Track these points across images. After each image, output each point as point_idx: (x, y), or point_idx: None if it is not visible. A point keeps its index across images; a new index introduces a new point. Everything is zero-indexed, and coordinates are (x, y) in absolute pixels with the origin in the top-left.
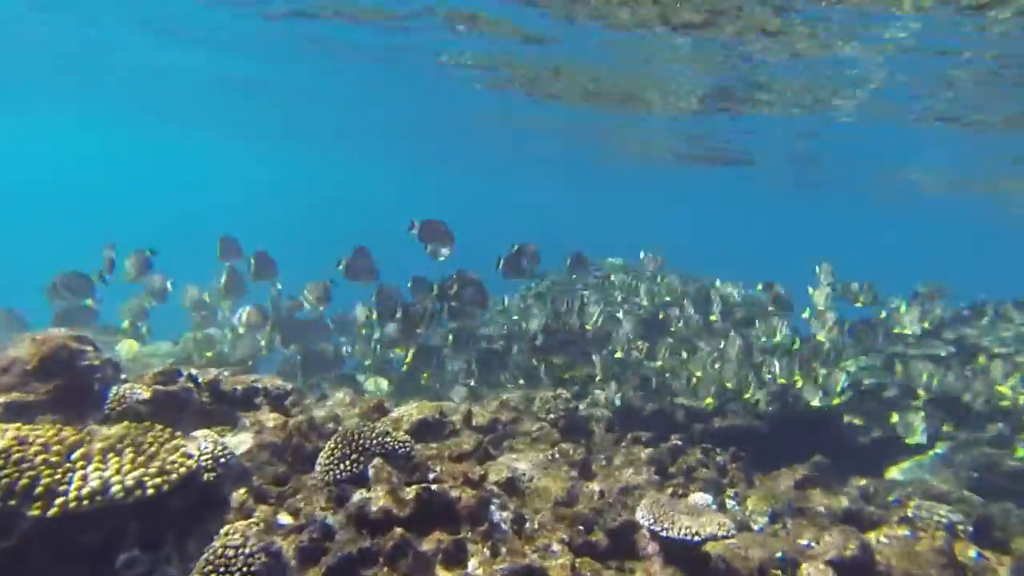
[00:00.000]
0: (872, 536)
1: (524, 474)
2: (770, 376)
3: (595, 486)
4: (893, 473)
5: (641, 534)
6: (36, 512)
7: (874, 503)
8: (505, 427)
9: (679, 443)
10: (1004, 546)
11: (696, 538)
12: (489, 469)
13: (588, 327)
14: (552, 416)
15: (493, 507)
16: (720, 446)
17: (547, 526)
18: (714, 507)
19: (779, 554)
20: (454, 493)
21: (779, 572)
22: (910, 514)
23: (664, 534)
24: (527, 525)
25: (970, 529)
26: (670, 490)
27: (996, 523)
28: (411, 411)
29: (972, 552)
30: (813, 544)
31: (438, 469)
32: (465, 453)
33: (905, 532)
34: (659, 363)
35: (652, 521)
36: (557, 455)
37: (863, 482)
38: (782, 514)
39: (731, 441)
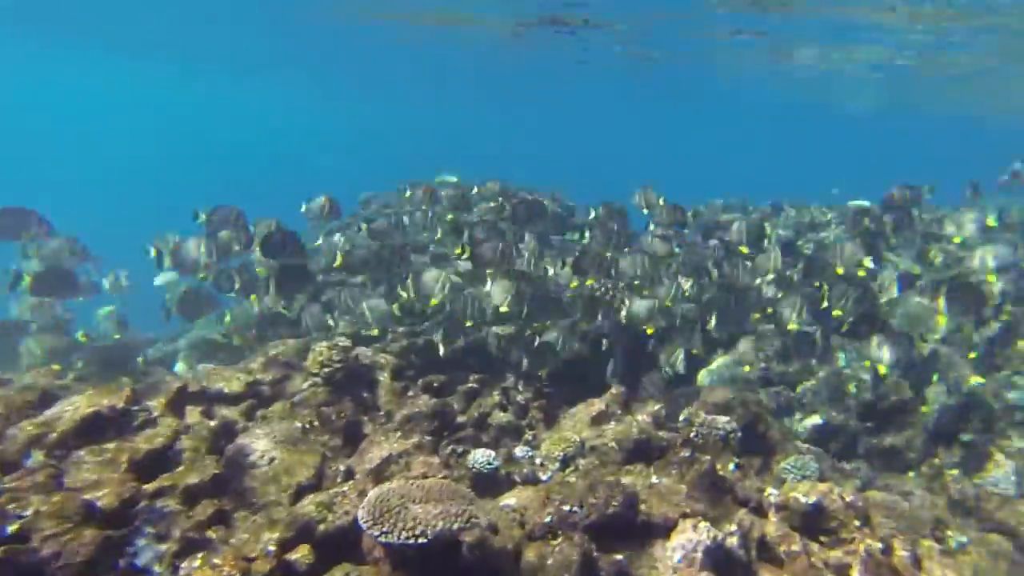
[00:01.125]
0: (652, 475)
1: (262, 456)
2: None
3: (345, 464)
4: (703, 377)
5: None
6: None
7: (666, 427)
8: (272, 389)
9: (475, 385)
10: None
11: (421, 541)
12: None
13: None
14: (327, 370)
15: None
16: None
17: (249, 540)
18: (493, 466)
19: (547, 518)
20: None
21: (551, 539)
22: (693, 434)
23: (383, 540)
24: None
25: (739, 435)
26: (448, 450)
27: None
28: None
29: (731, 465)
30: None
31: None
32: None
33: (685, 454)
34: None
35: (371, 522)
36: (316, 422)
37: (656, 407)
38: (574, 457)
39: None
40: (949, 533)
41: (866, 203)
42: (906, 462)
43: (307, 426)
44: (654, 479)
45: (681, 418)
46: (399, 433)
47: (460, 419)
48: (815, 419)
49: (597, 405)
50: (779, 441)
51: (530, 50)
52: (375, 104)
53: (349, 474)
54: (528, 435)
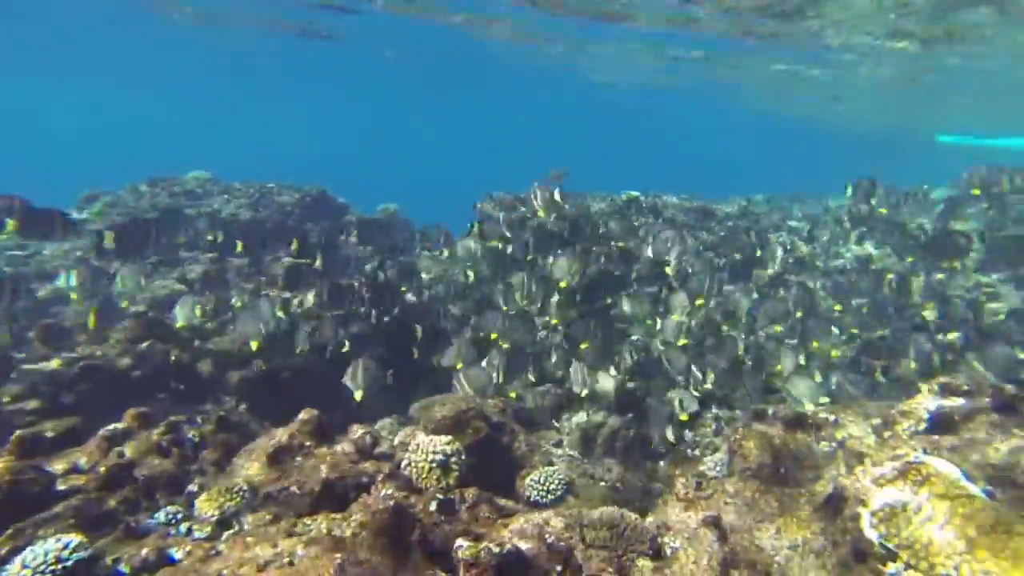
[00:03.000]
0: (331, 526)
1: None
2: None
3: None
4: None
5: None
6: None
7: (371, 459)
8: None
9: (121, 426)
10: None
11: None
12: None
13: None
14: None
15: None
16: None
17: None
18: (68, 561)
19: None
20: None
21: None
22: (403, 463)
23: None
24: None
25: (463, 456)
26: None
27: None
28: None
29: (432, 504)
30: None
31: None
32: None
33: (388, 490)
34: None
35: None
36: None
37: (361, 431)
38: (239, 513)
39: (272, 389)
40: (665, 540)
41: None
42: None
43: None
44: (336, 531)
45: (396, 441)
46: None
47: (77, 481)
48: (581, 416)
49: (279, 436)
50: (525, 455)
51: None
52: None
53: None
54: (196, 484)
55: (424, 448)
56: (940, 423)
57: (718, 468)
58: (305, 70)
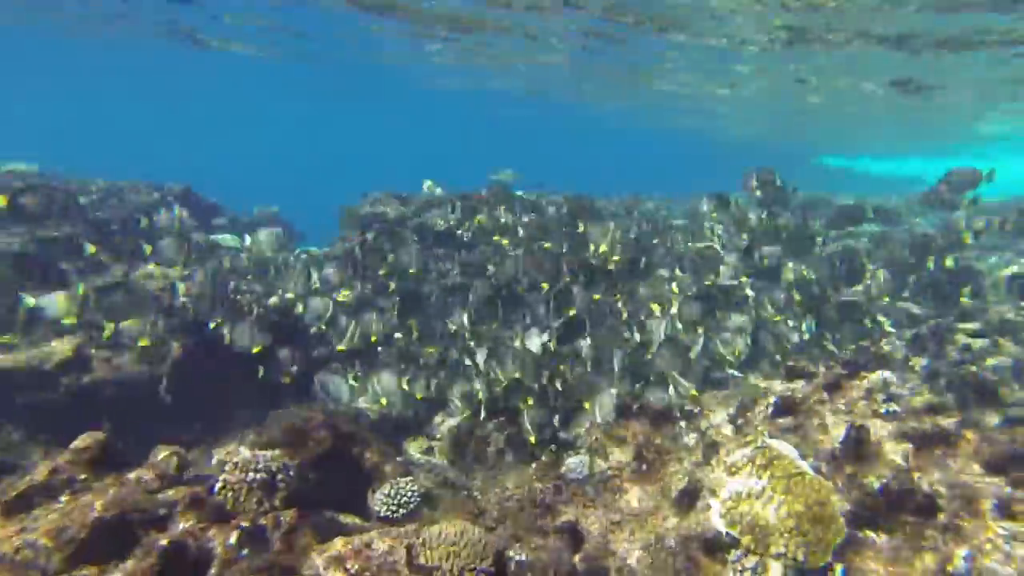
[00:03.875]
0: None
1: None
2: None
3: None
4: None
5: None
6: None
7: (181, 485)
8: None
9: None
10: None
11: None
12: None
13: None
14: None
15: None
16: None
17: None
18: None
19: None
20: None
21: None
22: (219, 486)
23: None
24: None
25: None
26: None
27: (355, 441)
28: None
29: (232, 537)
30: None
31: None
32: None
33: (186, 523)
34: None
35: None
36: None
37: (165, 452)
38: None
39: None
40: (511, 553)
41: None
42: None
43: None
44: None
45: (214, 460)
46: None
47: None
48: (453, 421)
49: (38, 472)
50: (378, 466)
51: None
52: None
53: None
54: None
55: (244, 466)
56: (784, 406)
57: (579, 470)
58: (171, 70)
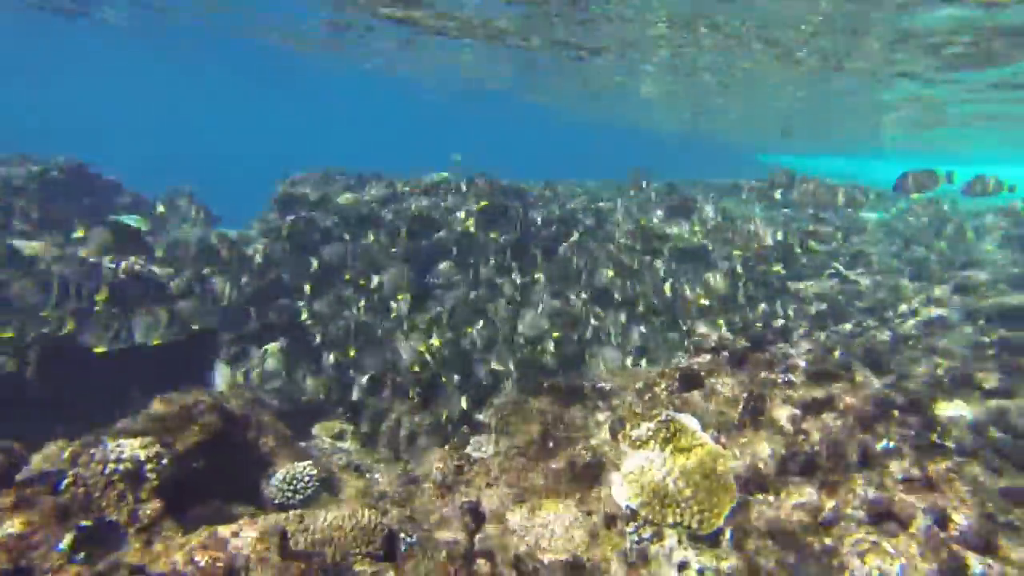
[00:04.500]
0: None
1: None
2: None
3: None
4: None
5: None
6: None
7: (25, 483)
8: None
9: None
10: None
11: None
12: None
13: None
14: None
15: None
16: None
17: None
18: None
19: None
20: None
21: None
22: (66, 481)
23: None
24: None
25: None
26: None
27: (250, 426)
28: None
29: (65, 543)
30: None
31: None
32: None
33: (11, 528)
34: None
35: None
36: None
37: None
38: None
39: None
40: (404, 536)
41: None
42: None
43: None
44: None
45: (66, 453)
46: None
47: None
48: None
49: None
50: (275, 449)
51: None
52: None
53: None
54: None
55: (103, 458)
56: (689, 379)
57: (484, 448)
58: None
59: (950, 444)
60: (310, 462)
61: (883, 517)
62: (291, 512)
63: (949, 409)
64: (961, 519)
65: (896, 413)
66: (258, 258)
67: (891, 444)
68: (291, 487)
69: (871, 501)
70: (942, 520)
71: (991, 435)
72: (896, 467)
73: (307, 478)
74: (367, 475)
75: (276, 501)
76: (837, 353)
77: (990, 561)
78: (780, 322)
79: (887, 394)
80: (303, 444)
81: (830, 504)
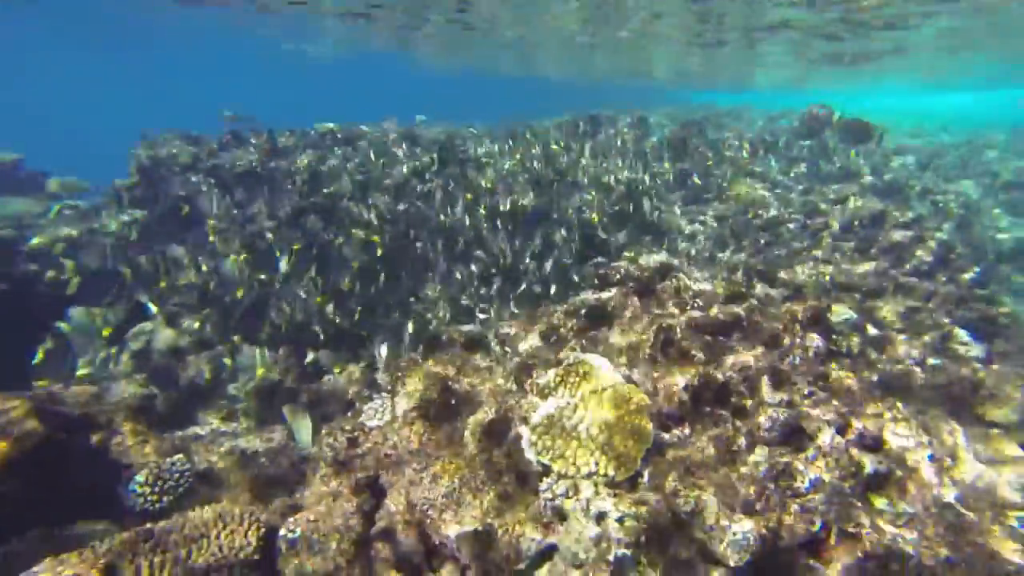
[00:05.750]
0: None
1: None
2: None
3: None
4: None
5: None
6: None
7: None
8: None
9: None
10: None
11: None
12: None
13: None
14: None
15: None
16: None
17: None
18: None
19: None
20: None
21: None
22: None
23: None
24: None
25: None
26: None
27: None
28: None
29: None
30: None
31: None
32: None
33: None
34: None
35: None
36: None
37: None
38: None
39: None
40: (291, 527)
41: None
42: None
43: None
44: None
45: None
46: None
47: None
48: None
49: None
50: (133, 447)
51: None
52: None
53: None
54: None
55: None
56: (595, 315)
57: (379, 414)
58: None
59: (843, 350)
60: (181, 456)
61: (793, 434)
62: (127, 534)
63: (838, 314)
64: (857, 423)
65: (799, 328)
66: None
67: (797, 359)
68: (156, 488)
69: (781, 422)
70: (843, 428)
71: (867, 331)
72: (802, 383)
73: (177, 475)
74: (255, 459)
75: (138, 508)
76: (741, 272)
77: (880, 457)
78: (683, 245)
79: (792, 310)
80: (179, 434)
81: (744, 430)
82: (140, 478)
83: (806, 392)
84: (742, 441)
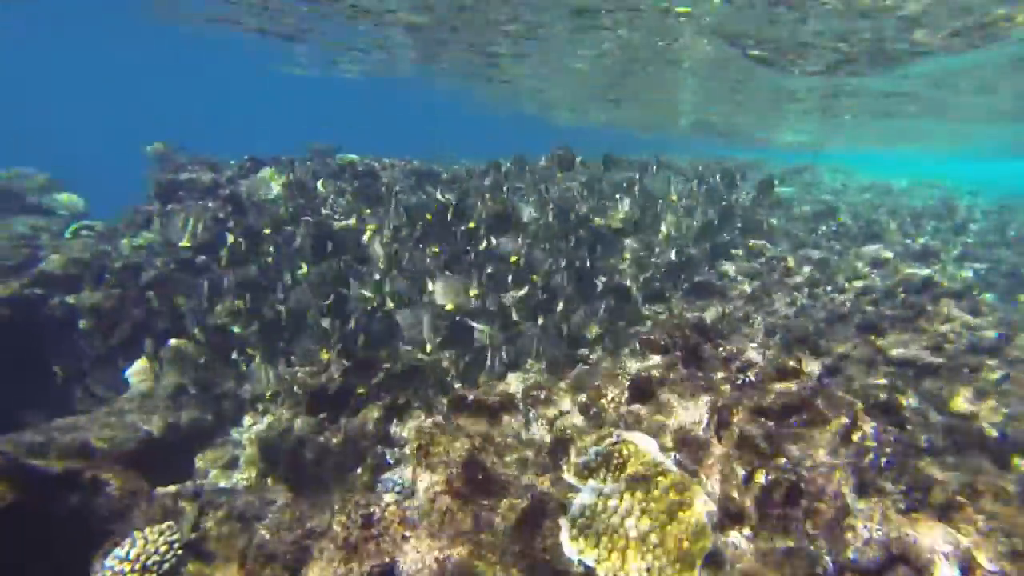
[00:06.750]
0: None
1: None
2: None
3: None
4: None
5: None
6: None
7: None
8: None
9: None
10: None
11: None
12: None
13: None
14: None
15: None
16: None
17: None
18: None
19: None
20: None
21: None
22: None
23: None
24: None
25: None
26: None
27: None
28: None
29: None
30: None
31: None
32: None
33: None
34: None
35: None
36: None
37: None
38: None
39: None
40: None
41: None
42: None
43: None
44: None
45: None
46: None
47: None
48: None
49: None
50: (119, 511)
51: None
52: None
53: None
54: None
55: None
56: (640, 388)
57: (399, 488)
58: None
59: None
60: (171, 524)
61: (894, 562)
62: None
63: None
64: (984, 560)
65: (867, 417)
66: None
67: (880, 458)
68: (136, 566)
69: (877, 542)
70: (966, 566)
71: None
72: (893, 490)
73: (163, 548)
74: (254, 525)
75: None
76: (779, 338)
77: None
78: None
79: (874, 395)
80: (173, 490)
81: (826, 550)
82: (121, 551)
83: (903, 506)
84: (828, 563)
